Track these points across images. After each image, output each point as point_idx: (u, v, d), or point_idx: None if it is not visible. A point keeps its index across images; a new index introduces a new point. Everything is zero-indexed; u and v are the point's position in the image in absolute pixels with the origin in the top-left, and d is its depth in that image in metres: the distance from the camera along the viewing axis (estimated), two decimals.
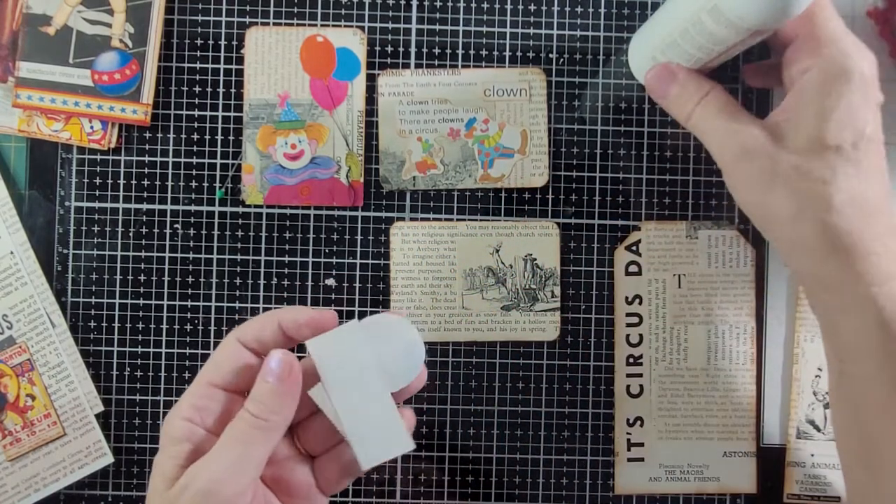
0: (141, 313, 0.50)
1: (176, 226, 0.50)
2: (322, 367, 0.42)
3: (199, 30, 0.50)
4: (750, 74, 0.50)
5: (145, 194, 0.50)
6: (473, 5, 0.50)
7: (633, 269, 0.51)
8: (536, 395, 0.50)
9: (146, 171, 0.50)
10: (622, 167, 0.51)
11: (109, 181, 0.50)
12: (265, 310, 0.50)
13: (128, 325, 0.50)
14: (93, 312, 0.50)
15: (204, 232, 0.50)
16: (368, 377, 0.42)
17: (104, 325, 0.50)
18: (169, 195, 0.50)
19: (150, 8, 0.49)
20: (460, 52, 0.50)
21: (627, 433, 0.50)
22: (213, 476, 0.38)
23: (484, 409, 0.51)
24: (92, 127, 0.49)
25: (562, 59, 0.51)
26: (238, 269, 0.50)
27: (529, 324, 0.50)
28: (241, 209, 0.50)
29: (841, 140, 0.40)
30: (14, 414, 0.49)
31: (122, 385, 0.50)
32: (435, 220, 0.50)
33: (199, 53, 0.50)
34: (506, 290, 0.50)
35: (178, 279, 0.50)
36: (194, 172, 0.50)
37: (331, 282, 0.50)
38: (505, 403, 0.51)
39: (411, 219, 0.50)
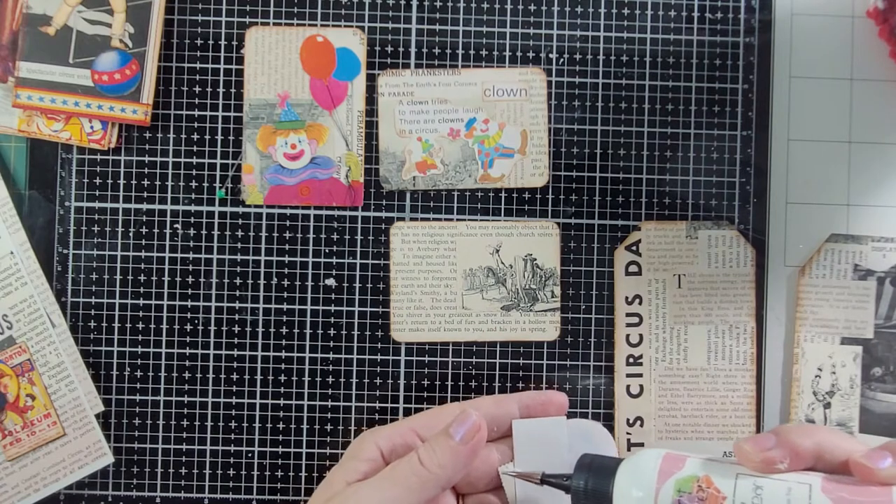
0: (141, 313, 0.50)
1: (176, 226, 0.50)
2: (519, 448, 0.44)
3: (199, 30, 0.50)
4: None
5: (145, 194, 0.50)
6: (473, 5, 0.50)
7: (633, 269, 0.51)
8: None
9: (146, 171, 0.50)
10: (622, 167, 0.51)
11: (109, 181, 0.50)
12: (265, 310, 0.50)
13: (128, 325, 0.50)
14: (93, 312, 0.50)
15: (204, 232, 0.50)
16: (558, 472, 0.44)
17: (104, 325, 0.50)
18: (169, 195, 0.50)
19: (150, 8, 0.49)
20: (460, 52, 0.50)
21: (627, 433, 0.50)
22: None
23: None
24: (92, 127, 0.49)
25: (562, 59, 0.51)
26: (238, 269, 0.50)
27: (529, 324, 0.50)
28: (241, 209, 0.50)
29: None
30: (14, 414, 0.49)
31: (122, 385, 0.50)
32: (435, 220, 0.50)
33: (199, 53, 0.50)
34: (506, 290, 0.50)
35: (178, 279, 0.50)
36: (194, 172, 0.50)
37: (331, 282, 0.50)
38: None
39: (411, 219, 0.50)
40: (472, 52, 0.50)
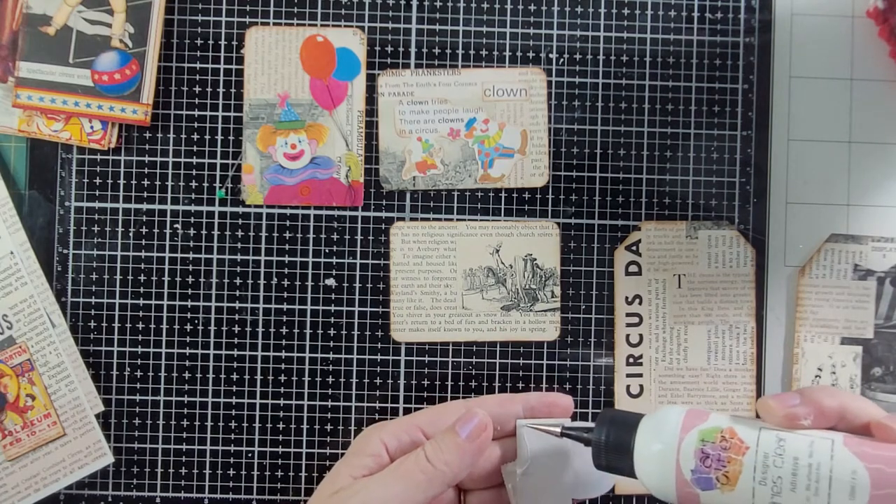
0: (141, 313, 0.50)
1: (176, 226, 0.50)
2: (523, 449, 0.44)
3: (199, 30, 0.50)
4: None
5: (145, 194, 0.50)
6: (473, 5, 0.50)
7: (633, 269, 0.51)
8: None
9: (146, 171, 0.50)
10: (622, 167, 0.51)
11: (109, 181, 0.50)
12: (265, 310, 0.50)
13: (128, 325, 0.50)
14: (93, 312, 0.50)
15: (204, 232, 0.50)
16: (560, 476, 0.44)
17: (104, 325, 0.50)
18: (169, 195, 0.50)
19: (150, 8, 0.49)
20: (460, 52, 0.50)
21: None
22: (368, 501, 0.40)
23: None
24: (92, 127, 0.49)
25: (562, 59, 0.51)
26: (238, 269, 0.50)
27: (529, 324, 0.50)
28: (241, 209, 0.50)
29: None
30: (14, 414, 0.49)
31: (122, 385, 0.50)
32: (435, 220, 0.50)
33: (199, 53, 0.50)
34: (506, 290, 0.50)
35: (178, 279, 0.50)
36: (194, 172, 0.50)
37: (331, 282, 0.50)
38: None
39: (411, 219, 0.50)
40: (472, 52, 0.50)
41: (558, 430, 0.44)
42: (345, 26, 0.50)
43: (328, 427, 0.50)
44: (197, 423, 0.50)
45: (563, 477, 0.44)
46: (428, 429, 0.44)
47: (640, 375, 0.50)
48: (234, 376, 0.50)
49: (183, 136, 0.50)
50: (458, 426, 0.42)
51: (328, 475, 0.43)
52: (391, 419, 0.47)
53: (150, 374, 0.50)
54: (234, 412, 0.50)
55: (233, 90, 0.50)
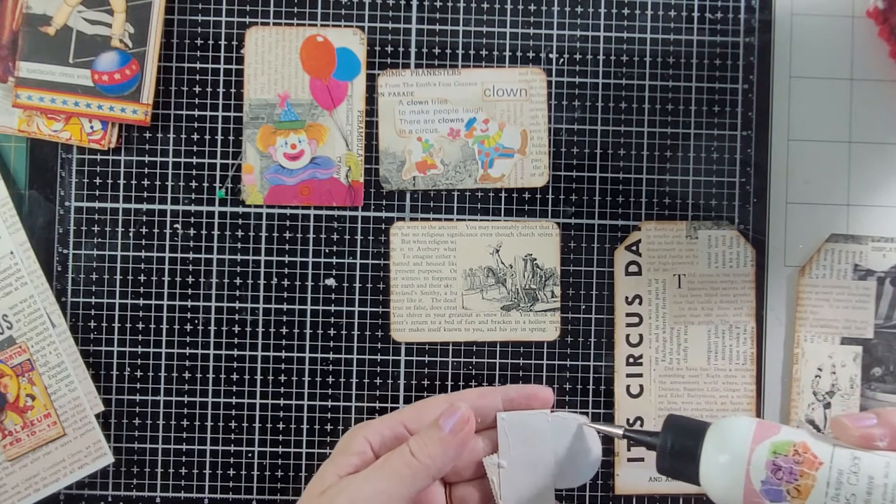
0: (141, 313, 0.50)
1: (176, 226, 0.50)
2: (503, 440, 0.44)
3: (199, 30, 0.50)
4: None
5: (145, 194, 0.50)
6: (473, 5, 0.50)
7: (633, 269, 0.51)
8: None
9: (146, 171, 0.50)
10: (622, 167, 0.51)
11: (109, 181, 0.50)
12: (265, 310, 0.50)
13: (128, 325, 0.50)
14: (93, 312, 0.50)
15: (204, 232, 0.50)
16: (541, 466, 0.45)
17: (104, 325, 0.50)
18: (169, 195, 0.50)
19: (150, 8, 0.49)
20: (460, 52, 0.50)
21: None
22: (355, 498, 0.40)
23: None
24: (92, 127, 0.49)
25: (562, 59, 0.51)
26: (238, 269, 0.50)
27: (529, 324, 0.50)
28: (241, 209, 0.50)
29: None
30: (14, 414, 0.49)
31: (122, 385, 0.50)
32: (435, 220, 0.50)
33: (199, 53, 0.50)
34: (506, 290, 0.50)
35: (178, 279, 0.50)
36: (194, 172, 0.50)
37: (331, 282, 0.50)
38: None
39: (411, 219, 0.50)
40: (472, 52, 0.50)
41: (620, 431, 0.44)
42: (345, 26, 0.50)
43: (328, 427, 0.50)
44: (197, 423, 0.50)
45: (545, 466, 0.45)
46: (411, 425, 0.44)
47: (640, 375, 0.50)
48: (234, 376, 0.50)
49: (183, 136, 0.50)
50: (441, 420, 0.42)
51: (315, 476, 0.43)
52: (376, 417, 0.47)
53: (150, 374, 0.50)
54: (234, 412, 0.50)
55: (233, 90, 0.50)
